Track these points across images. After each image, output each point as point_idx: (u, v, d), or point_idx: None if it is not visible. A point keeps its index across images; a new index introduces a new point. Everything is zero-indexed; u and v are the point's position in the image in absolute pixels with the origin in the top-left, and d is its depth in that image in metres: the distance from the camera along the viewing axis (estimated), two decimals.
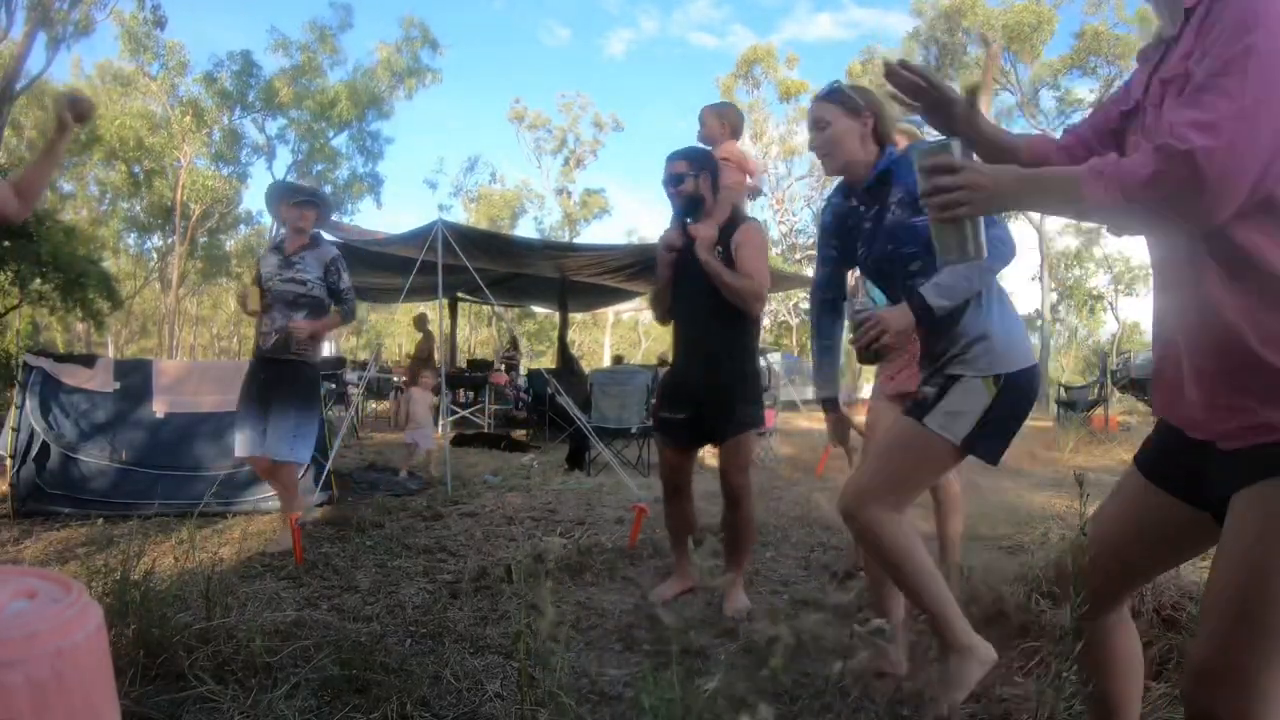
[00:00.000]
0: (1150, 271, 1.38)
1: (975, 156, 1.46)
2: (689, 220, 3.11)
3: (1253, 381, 1.14)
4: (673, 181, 3.09)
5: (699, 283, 3.04)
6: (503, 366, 12.76)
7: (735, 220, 3.14)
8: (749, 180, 4.09)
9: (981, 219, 1.31)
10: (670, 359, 3.40)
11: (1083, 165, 1.18)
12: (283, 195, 4.11)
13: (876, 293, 2.38)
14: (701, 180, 3.08)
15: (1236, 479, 1.17)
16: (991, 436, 1.94)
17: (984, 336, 1.96)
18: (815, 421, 12.68)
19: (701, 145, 3.60)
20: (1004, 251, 1.98)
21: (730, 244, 3.05)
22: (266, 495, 4.66)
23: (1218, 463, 1.21)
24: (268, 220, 27.63)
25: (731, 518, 3.11)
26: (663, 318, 3.32)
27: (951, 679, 1.89)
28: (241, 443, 3.87)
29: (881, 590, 2.39)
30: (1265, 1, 1.07)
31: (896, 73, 1.53)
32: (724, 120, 3.84)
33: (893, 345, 2.01)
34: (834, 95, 2.12)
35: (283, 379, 3.86)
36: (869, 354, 2.02)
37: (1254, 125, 1.04)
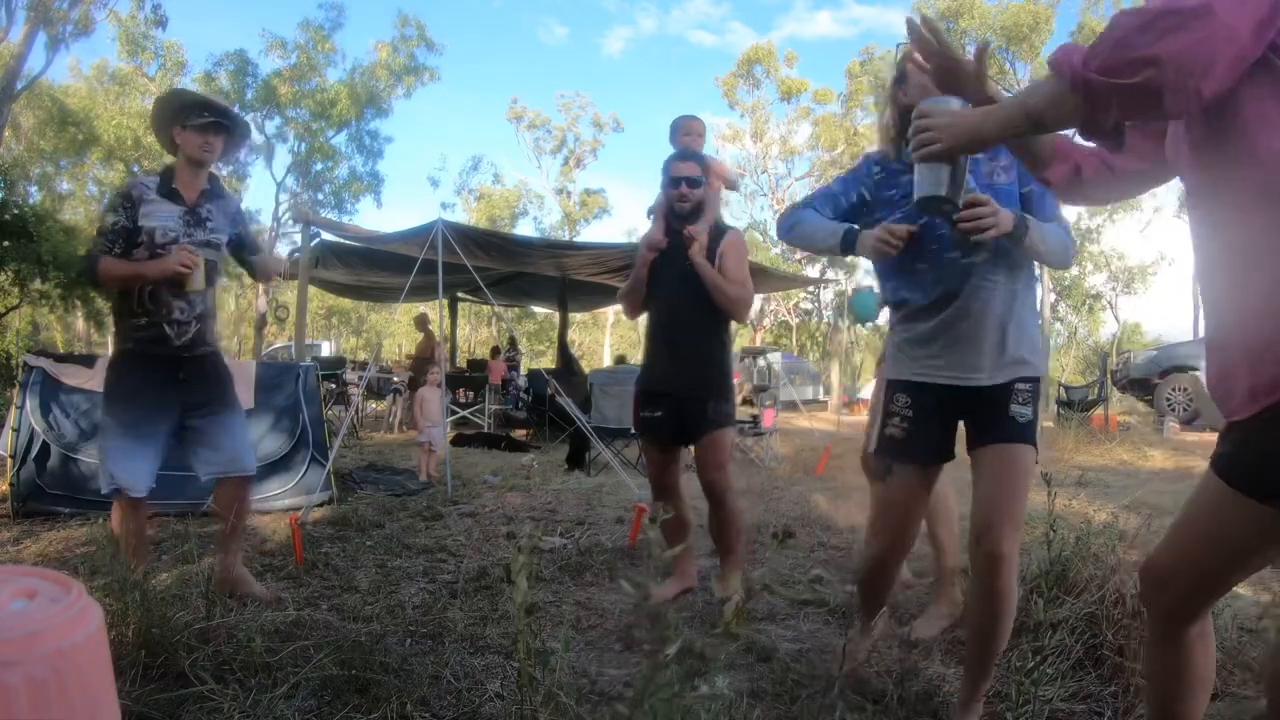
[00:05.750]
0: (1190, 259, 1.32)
1: None
2: (683, 222, 3.11)
3: None
4: (690, 184, 3.08)
5: (679, 283, 3.04)
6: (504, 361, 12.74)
7: (719, 228, 3.18)
8: (727, 177, 4.39)
9: (963, 169, 1.61)
10: (645, 358, 3.31)
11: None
12: (180, 114, 2.93)
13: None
14: (709, 186, 3.15)
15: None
16: None
17: (1035, 336, 2.06)
18: (815, 421, 12.68)
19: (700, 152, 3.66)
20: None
21: (716, 251, 3.06)
22: (267, 495, 4.66)
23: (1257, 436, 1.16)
24: (267, 219, 27.56)
25: (716, 517, 3.11)
26: (635, 313, 3.32)
27: None
28: (138, 474, 2.89)
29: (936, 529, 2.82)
30: None
31: (918, 29, 1.51)
32: (702, 134, 4.03)
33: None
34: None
35: (210, 376, 3.00)
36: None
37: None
